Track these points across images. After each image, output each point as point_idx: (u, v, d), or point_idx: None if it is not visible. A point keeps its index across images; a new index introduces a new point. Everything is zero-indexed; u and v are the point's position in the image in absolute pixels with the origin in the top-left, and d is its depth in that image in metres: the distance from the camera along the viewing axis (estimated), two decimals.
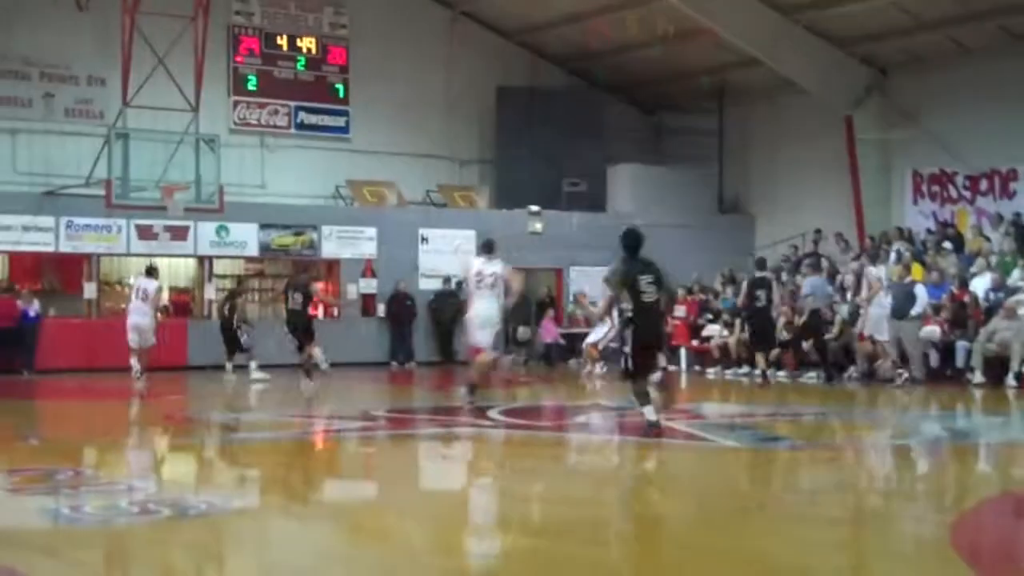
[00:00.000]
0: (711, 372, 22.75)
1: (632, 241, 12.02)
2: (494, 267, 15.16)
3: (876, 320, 19.63)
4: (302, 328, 18.63)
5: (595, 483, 9.98)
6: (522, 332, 26.05)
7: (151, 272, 20.24)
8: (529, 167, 27.80)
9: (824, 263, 23.82)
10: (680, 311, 24.79)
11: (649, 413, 11.77)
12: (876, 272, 20.52)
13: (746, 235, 28.44)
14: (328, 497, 9.68)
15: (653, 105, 30.95)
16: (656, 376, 12.24)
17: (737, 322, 22.22)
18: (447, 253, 26.06)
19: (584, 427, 14.41)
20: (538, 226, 27.09)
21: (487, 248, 15.54)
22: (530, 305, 26.67)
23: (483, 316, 14.97)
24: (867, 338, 19.95)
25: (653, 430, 11.68)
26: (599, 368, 21.85)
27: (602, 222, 27.32)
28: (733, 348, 22.42)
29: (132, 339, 19.48)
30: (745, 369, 21.65)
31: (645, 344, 11.87)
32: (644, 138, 30.50)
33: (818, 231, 26.12)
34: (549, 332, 26.38)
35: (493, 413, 14.54)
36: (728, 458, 11.42)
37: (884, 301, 19.68)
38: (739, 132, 28.76)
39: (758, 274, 20.14)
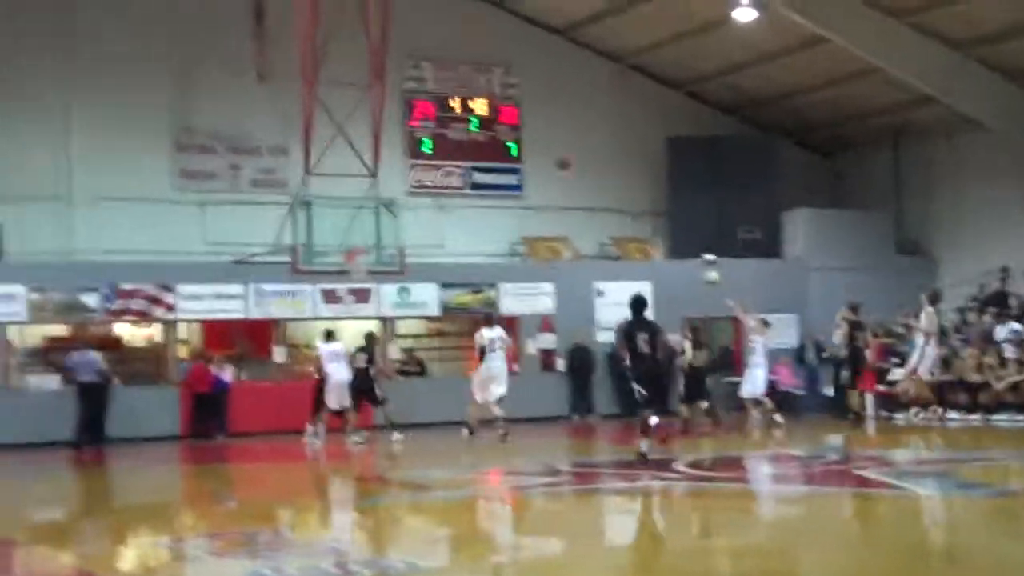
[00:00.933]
0: (899, 417, 22.26)
1: (636, 305, 14.95)
2: (496, 333, 19.53)
3: None
4: (365, 388, 20.43)
5: (787, 535, 9.89)
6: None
7: (331, 336, 21.13)
8: (702, 216, 27.76)
9: (1013, 302, 23.20)
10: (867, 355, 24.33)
11: (642, 446, 14.57)
12: None
13: (926, 276, 27.73)
14: (523, 555, 9.78)
15: (827, 148, 30.63)
16: (653, 420, 14.79)
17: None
18: (626, 305, 26.01)
19: (772, 478, 14.27)
20: (714, 275, 26.93)
21: (488, 321, 20.09)
22: (716, 355, 26.53)
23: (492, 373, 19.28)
24: None
25: (640, 460, 14.32)
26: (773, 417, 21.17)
27: (778, 268, 27.14)
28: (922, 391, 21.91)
29: (334, 400, 20.43)
30: (933, 411, 21.14)
31: (645, 384, 14.82)
32: (819, 182, 30.17)
33: (1005, 269, 25.41)
34: (785, 378, 25.69)
35: (678, 465, 14.51)
36: (923, 507, 11.19)
37: None
38: (918, 172, 28.21)
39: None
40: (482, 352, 19.73)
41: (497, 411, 19.66)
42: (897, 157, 28.37)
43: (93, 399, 21.42)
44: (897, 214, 28.57)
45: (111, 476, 18.58)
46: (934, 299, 20.52)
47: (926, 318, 20.48)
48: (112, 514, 13.34)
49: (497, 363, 19.65)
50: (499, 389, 19.64)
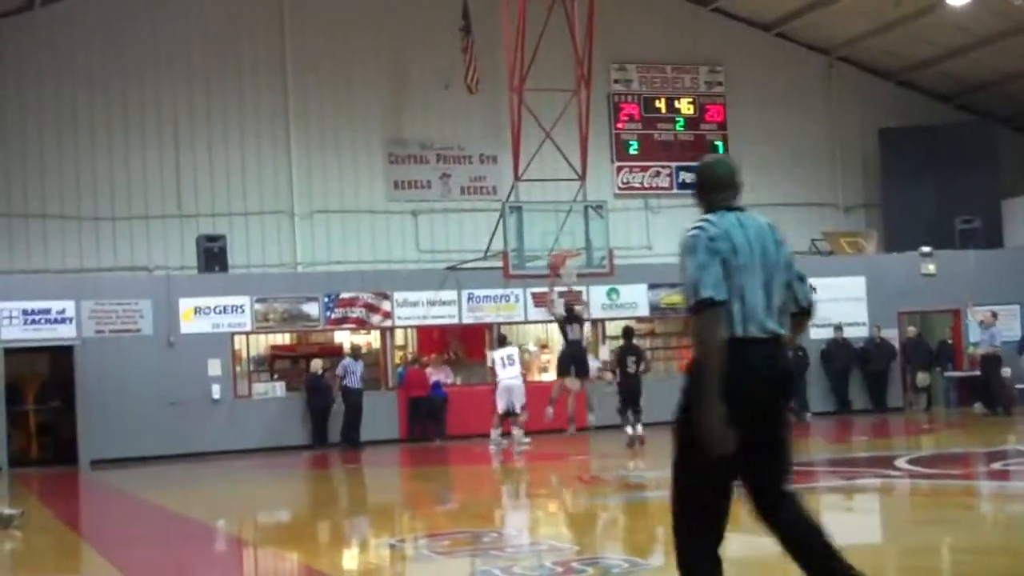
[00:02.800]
0: None
1: (626, 334, 19.57)
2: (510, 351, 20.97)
3: None
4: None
5: (1013, 533, 9.65)
6: (921, 378, 25.33)
7: (503, 341, 22.06)
8: (918, 208, 27.13)
9: None
10: None
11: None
12: None
13: None
14: (739, 553, 9.76)
15: None
16: (632, 431, 18.89)
17: None
18: (841, 300, 25.62)
19: (995, 474, 13.88)
20: (931, 268, 26.23)
21: (501, 342, 21.43)
22: (930, 350, 25.91)
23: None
24: None
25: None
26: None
27: (1000, 258, 26.26)
28: None
29: (501, 403, 20.94)
30: None
31: (624, 398, 19.22)
32: None
33: None
34: None
35: (900, 462, 14.25)
36: None
37: None
38: None
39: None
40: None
41: (515, 429, 20.99)
42: None
43: (356, 403, 22.66)
44: None
45: (343, 478, 19.20)
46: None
47: None
48: (340, 514, 13.81)
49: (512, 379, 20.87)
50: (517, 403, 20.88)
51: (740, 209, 5.65)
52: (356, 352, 23.26)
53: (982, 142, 27.98)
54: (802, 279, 5.78)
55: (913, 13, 25.59)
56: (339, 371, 22.87)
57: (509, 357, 21.14)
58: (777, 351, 5.49)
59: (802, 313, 5.76)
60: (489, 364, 22.21)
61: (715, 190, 5.76)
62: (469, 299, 24.61)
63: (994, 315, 21.91)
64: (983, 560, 8.26)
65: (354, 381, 22.72)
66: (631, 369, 19.12)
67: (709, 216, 5.60)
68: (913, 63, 28.13)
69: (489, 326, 24.88)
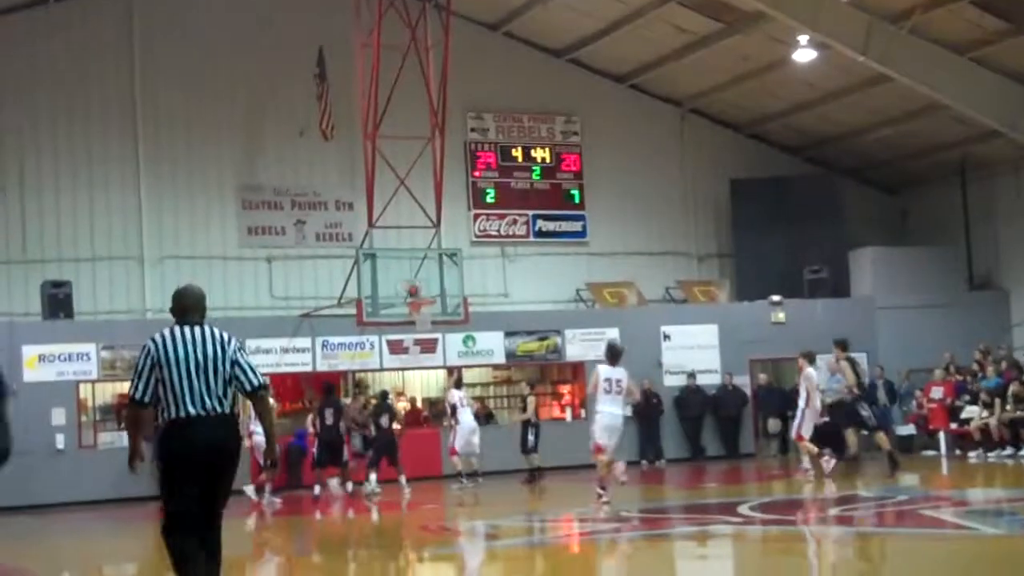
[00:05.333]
0: (973, 455, 21.93)
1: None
2: (619, 374, 16.02)
3: None
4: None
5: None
6: (772, 424, 25.78)
7: (460, 383, 22.71)
8: (768, 257, 27.64)
9: None
10: (937, 393, 24.09)
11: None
12: None
13: (1000, 311, 27.42)
14: None
15: (892, 185, 30.41)
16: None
17: (997, 402, 21.47)
18: (693, 348, 26.05)
19: (835, 520, 14.13)
20: (781, 316, 26.78)
21: (613, 356, 16.34)
22: (783, 396, 26.33)
23: (603, 424, 15.92)
24: None
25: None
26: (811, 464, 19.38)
27: (845, 308, 26.91)
28: (994, 430, 21.60)
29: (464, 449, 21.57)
30: (1009, 451, 20.83)
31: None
32: (885, 219, 29.93)
33: None
34: None
35: (743, 508, 14.41)
36: (989, 548, 11.02)
37: None
38: (986, 205, 27.87)
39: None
40: (453, 409, 21.75)
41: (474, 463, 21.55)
42: (964, 192, 28.04)
43: None
44: (966, 250, 28.19)
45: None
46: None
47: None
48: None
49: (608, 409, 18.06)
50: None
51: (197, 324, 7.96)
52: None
53: (829, 194, 28.64)
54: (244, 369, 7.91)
55: (761, 68, 26.19)
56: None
57: (464, 399, 21.85)
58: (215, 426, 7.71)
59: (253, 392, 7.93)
60: (449, 404, 22.21)
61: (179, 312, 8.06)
62: (324, 346, 24.37)
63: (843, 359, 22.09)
64: None
65: None
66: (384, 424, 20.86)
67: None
68: (763, 116, 28.76)
69: (344, 374, 24.66)
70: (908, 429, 25.07)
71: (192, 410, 7.66)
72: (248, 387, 7.90)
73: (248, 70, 25.70)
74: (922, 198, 29.57)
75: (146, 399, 7.76)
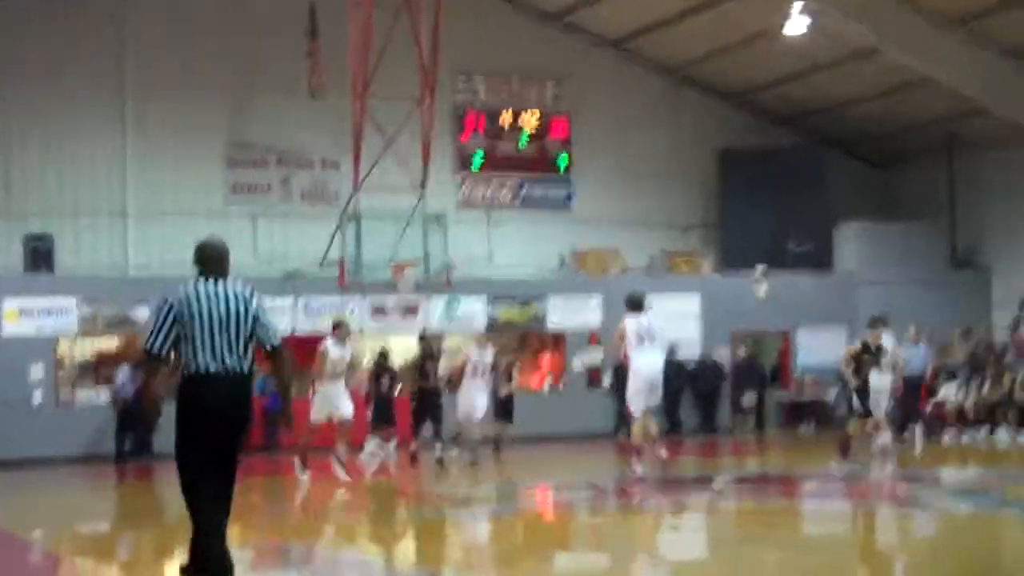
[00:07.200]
0: (947, 435, 22.00)
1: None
2: (648, 321, 15.07)
3: None
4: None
5: (819, 551, 9.88)
6: (748, 399, 25.80)
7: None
8: (754, 229, 27.59)
9: None
10: None
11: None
12: None
13: (982, 290, 27.47)
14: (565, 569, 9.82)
15: (881, 160, 30.40)
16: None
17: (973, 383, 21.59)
18: (675, 318, 25.99)
19: (811, 494, 14.23)
20: (764, 289, 26.78)
21: (636, 304, 15.21)
22: (760, 371, 26.41)
23: (644, 376, 14.83)
24: None
25: None
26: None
27: (829, 282, 26.95)
28: (970, 410, 21.68)
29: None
30: (984, 432, 20.96)
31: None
32: (872, 194, 29.91)
33: None
34: None
35: (719, 482, 14.48)
36: (956, 523, 11.14)
37: None
38: (971, 183, 27.86)
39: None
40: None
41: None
42: (950, 168, 28.04)
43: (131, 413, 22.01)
44: (949, 227, 28.24)
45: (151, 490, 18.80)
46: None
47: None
48: (140, 529, 13.52)
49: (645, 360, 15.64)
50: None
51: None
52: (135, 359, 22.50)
53: (816, 166, 28.59)
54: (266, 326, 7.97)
55: (753, 37, 26.07)
56: (117, 380, 22.14)
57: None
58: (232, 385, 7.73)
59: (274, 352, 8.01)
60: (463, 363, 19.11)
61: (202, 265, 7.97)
62: (306, 307, 24.30)
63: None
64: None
65: (127, 391, 22.01)
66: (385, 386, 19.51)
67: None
68: (753, 86, 28.65)
69: (324, 336, 24.54)
70: None
71: (212, 367, 7.66)
72: (269, 345, 7.96)
73: (239, 27, 25.43)
74: (908, 173, 29.57)
75: (162, 353, 7.73)
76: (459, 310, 25.13)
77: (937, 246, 28.12)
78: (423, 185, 23.65)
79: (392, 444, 20.03)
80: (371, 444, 19.75)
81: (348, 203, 23.72)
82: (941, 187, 28.19)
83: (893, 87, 26.26)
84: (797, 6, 23.80)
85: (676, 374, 25.51)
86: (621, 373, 25.16)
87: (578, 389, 25.75)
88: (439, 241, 23.53)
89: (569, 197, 28.14)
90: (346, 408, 16.56)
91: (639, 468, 15.01)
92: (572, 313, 25.86)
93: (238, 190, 25.78)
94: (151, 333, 7.77)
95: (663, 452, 16.04)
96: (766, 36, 25.61)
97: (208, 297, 7.77)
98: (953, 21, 23.47)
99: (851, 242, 27.91)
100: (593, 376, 25.99)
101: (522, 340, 26.46)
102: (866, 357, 16.76)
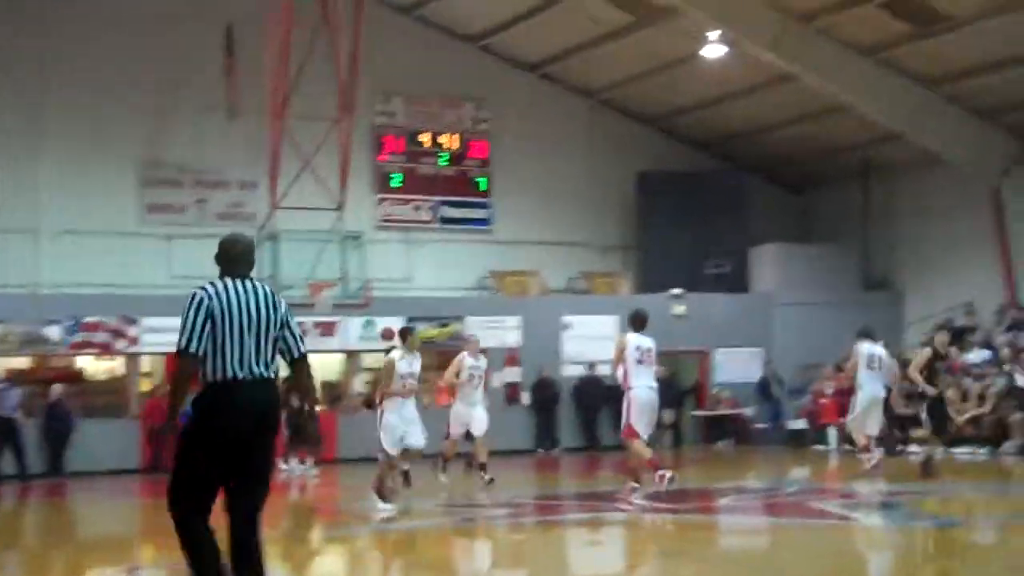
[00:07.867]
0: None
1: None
2: (649, 342, 14.91)
3: None
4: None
5: (726, 565, 9.91)
6: (666, 416, 25.90)
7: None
8: (672, 251, 27.79)
9: (975, 337, 23.39)
10: (829, 388, 24.47)
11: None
12: None
13: (894, 311, 27.84)
14: None
15: (796, 183, 30.77)
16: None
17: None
18: (593, 339, 26.07)
19: (727, 509, 14.29)
20: (681, 309, 26.98)
21: (639, 322, 15.09)
22: (678, 388, 26.55)
23: (643, 401, 14.80)
24: None
25: None
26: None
27: (746, 303, 27.22)
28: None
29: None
30: (914, 448, 21.22)
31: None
32: (788, 217, 30.27)
33: (969, 304, 25.58)
34: None
35: (637, 498, 14.49)
36: (864, 537, 11.25)
37: None
38: (885, 207, 28.29)
39: None
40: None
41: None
42: (865, 193, 28.45)
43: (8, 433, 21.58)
44: (864, 250, 28.63)
45: (67, 510, 18.46)
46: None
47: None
48: (69, 547, 13.25)
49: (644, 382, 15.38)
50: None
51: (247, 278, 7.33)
52: (11, 377, 22.31)
53: (735, 190, 28.89)
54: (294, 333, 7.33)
55: (671, 62, 26.30)
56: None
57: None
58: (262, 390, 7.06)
59: (298, 360, 7.33)
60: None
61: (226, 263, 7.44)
62: None
63: None
64: None
65: (8, 409, 21.62)
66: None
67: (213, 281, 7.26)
68: (672, 110, 28.90)
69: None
70: (800, 424, 25.45)
71: (239, 373, 6.99)
72: (295, 353, 7.29)
73: (157, 45, 25.18)
74: (824, 197, 29.95)
75: (200, 352, 6.97)
76: (376, 330, 25.01)
77: (851, 268, 28.50)
78: (341, 205, 23.53)
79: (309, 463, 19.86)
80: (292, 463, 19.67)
81: (265, 222, 23.55)
82: (856, 210, 28.59)
83: (810, 113, 26.62)
84: (713, 35, 24.09)
85: (596, 391, 25.73)
86: (543, 391, 25.50)
87: (497, 406, 25.67)
88: (357, 261, 23.39)
89: (488, 219, 28.15)
90: (417, 436, 14.46)
91: (638, 487, 14.79)
92: (492, 332, 25.78)
93: (153, 210, 25.48)
94: (184, 332, 7.02)
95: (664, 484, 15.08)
96: (685, 62, 25.88)
97: (238, 295, 7.17)
98: (866, 50, 23.86)
99: (767, 264, 28.22)
100: (511, 393, 25.97)
101: (440, 359, 26.29)
102: (938, 364, 16.07)
